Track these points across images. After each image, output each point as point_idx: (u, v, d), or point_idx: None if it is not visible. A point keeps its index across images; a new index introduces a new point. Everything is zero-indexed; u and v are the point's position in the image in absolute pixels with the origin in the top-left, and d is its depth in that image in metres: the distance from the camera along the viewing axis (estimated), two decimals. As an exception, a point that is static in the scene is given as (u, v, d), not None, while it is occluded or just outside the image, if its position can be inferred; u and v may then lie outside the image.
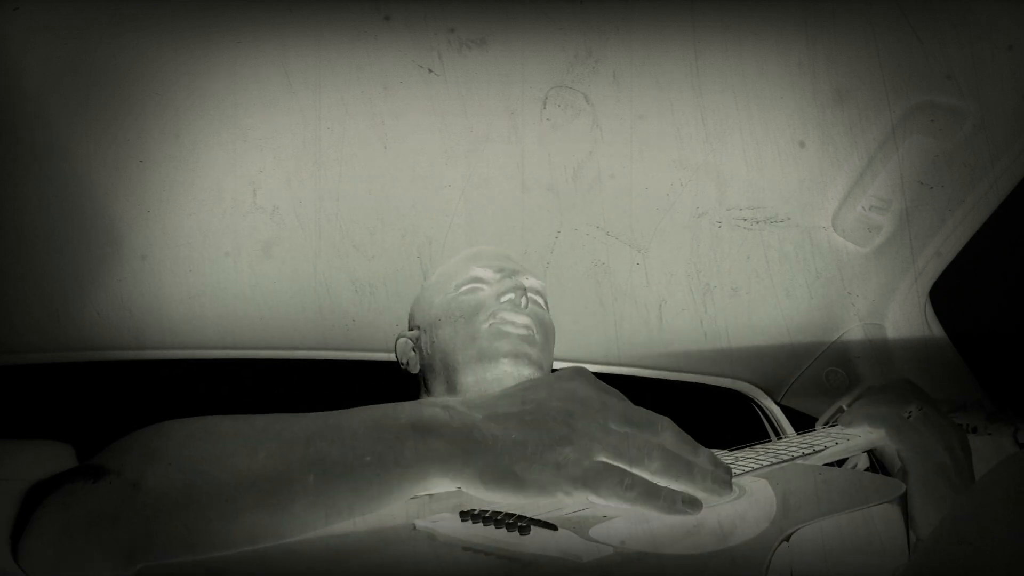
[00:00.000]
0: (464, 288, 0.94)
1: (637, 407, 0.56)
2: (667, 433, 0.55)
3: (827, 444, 0.82)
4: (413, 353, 0.99)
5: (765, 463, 0.72)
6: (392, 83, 0.96)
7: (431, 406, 0.56)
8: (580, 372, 0.59)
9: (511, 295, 0.91)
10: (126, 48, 0.90)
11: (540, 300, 0.96)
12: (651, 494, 0.52)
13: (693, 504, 0.53)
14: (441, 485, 0.54)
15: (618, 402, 0.57)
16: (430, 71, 0.94)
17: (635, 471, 0.53)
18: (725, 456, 0.78)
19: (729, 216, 1.13)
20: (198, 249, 1.11)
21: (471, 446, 0.53)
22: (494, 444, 0.53)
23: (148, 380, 1.33)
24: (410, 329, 1.02)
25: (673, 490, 0.53)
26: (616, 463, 0.53)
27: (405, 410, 0.55)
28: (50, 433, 1.17)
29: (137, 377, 1.32)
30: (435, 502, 0.63)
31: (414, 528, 0.56)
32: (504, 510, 0.57)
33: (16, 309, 1.14)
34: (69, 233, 1.05)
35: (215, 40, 0.91)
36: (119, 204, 1.04)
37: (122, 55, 0.90)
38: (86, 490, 0.49)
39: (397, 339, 1.02)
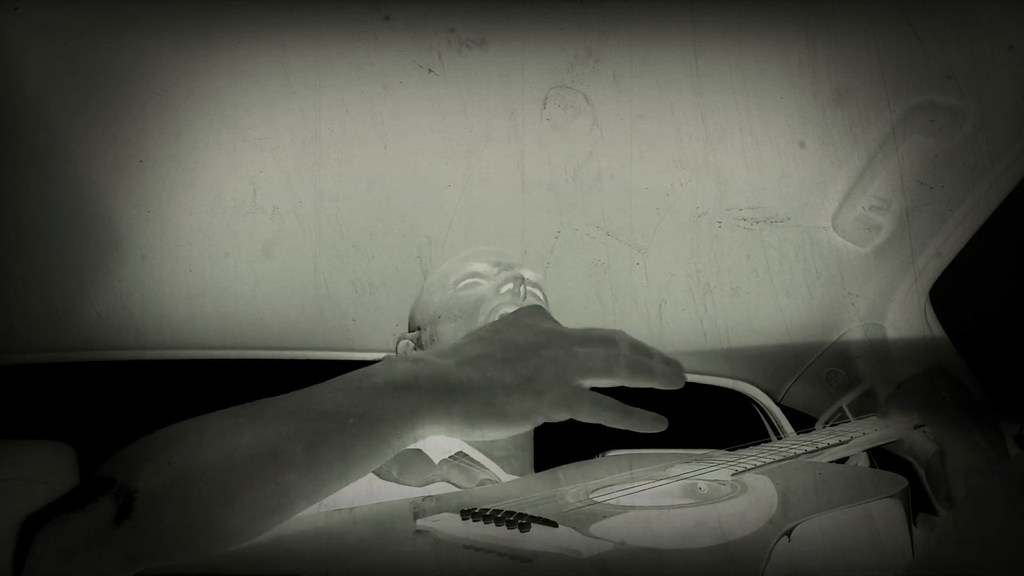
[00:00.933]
0: (463, 284, 0.94)
1: (592, 328, 0.60)
2: (624, 343, 0.59)
3: (854, 434, 0.83)
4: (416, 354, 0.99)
5: (768, 460, 0.73)
6: (392, 83, 0.96)
7: (402, 361, 0.58)
8: (537, 309, 0.63)
9: (510, 285, 0.91)
10: (126, 48, 0.90)
11: (539, 292, 0.96)
12: (625, 412, 0.56)
13: (659, 420, 0.57)
14: (429, 434, 0.55)
15: (575, 329, 0.60)
16: (430, 71, 0.94)
17: (607, 382, 0.57)
18: (726, 456, 0.78)
19: (729, 216, 1.13)
20: (198, 249, 1.10)
21: (450, 392, 0.55)
22: (472, 385, 0.55)
23: (148, 380, 1.33)
24: (410, 331, 1.02)
25: (643, 410, 0.57)
26: (590, 381, 0.56)
27: (378, 371, 0.57)
28: (50, 433, 1.18)
29: (137, 377, 1.32)
30: (437, 502, 0.63)
31: (415, 528, 0.56)
32: (504, 507, 0.57)
33: (16, 309, 1.14)
34: (69, 233, 1.05)
35: (215, 40, 0.91)
36: (119, 204, 1.04)
37: (122, 55, 0.90)
38: (82, 512, 0.49)
39: (398, 342, 1.01)
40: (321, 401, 0.55)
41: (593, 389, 0.57)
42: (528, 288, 0.93)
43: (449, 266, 0.99)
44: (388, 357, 0.59)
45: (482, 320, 0.89)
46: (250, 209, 1.07)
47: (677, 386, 0.60)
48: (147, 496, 0.49)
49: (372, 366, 0.58)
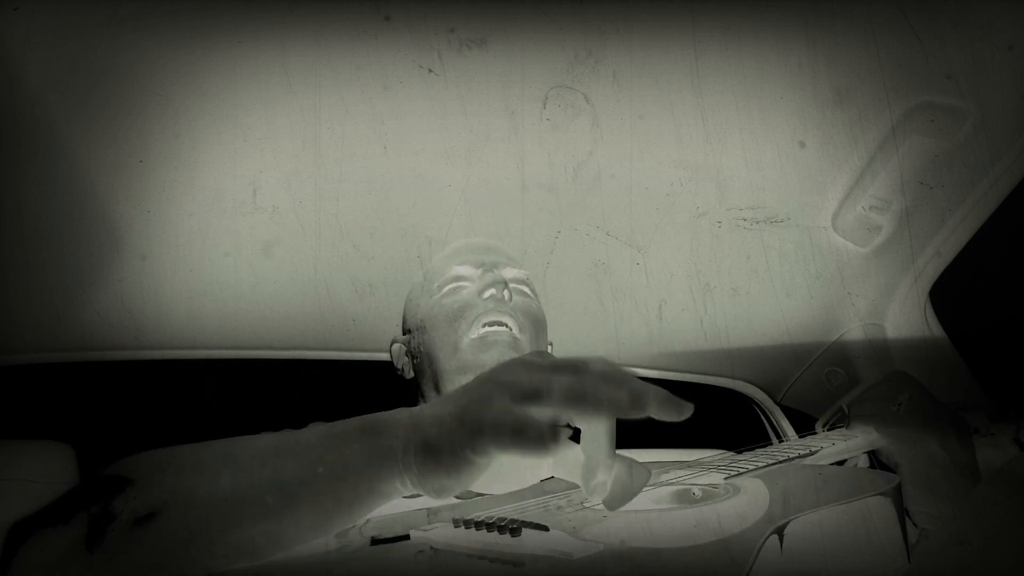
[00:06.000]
0: (446, 289, 0.93)
1: (574, 357, 0.52)
2: (592, 371, 0.50)
3: (823, 445, 0.82)
4: (407, 358, 0.98)
5: (762, 464, 0.73)
6: (392, 83, 0.96)
7: (383, 415, 0.55)
8: (537, 352, 0.55)
9: (492, 291, 0.89)
10: (126, 48, 0.90)
11: (525, 289, 0.95)
12: (516, 432, 0.47)
13: (552, 436, 0.47)
14: (396, 489, 0.52)
15: (548, 358, 0.53)
16: (430, 71, 0.94)
17: (542, 410, 0.49)
18: (719, 461, 0.78)
19: (729, 216, 1.13)
20: (198, 249, 1.11)
21: (414, 435, 0.51)
22: (429, 426, 0.51)
23: (148, 380, 1.33)
24: (403, 333, 1.01)
25: (537, 423, 0.48)
26: (527, 408, 0.49)
27: (361, 417, 0.55)
28: (50, 433, 1.18)
29: (137, 377, 1.32)
30: (432, 515, 0.64)
31: (410, 538, 0.56)
32: (497, 514, 0.57)
33: (16, 309, 1.14)
34: (69, 233, 1.06)
35: (215, 40, 0.91)
36: (119, 204, 1.04)
37: (122, 55, 0.90)
38: (59, 531, 0.50)
39: (391, 344, 1.01)
40: (298, 447, 0.53)
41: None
42: (513, 288, 0.92)
43: (434, 266, 0.98)
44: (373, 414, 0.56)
45: (463, 337, 0.88)
46: (250, 209, 1.07)
47: (639, 415, 0.48)
48: (124, 529, 0.49)
49: (352, 418, 0.55)
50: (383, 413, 0.55)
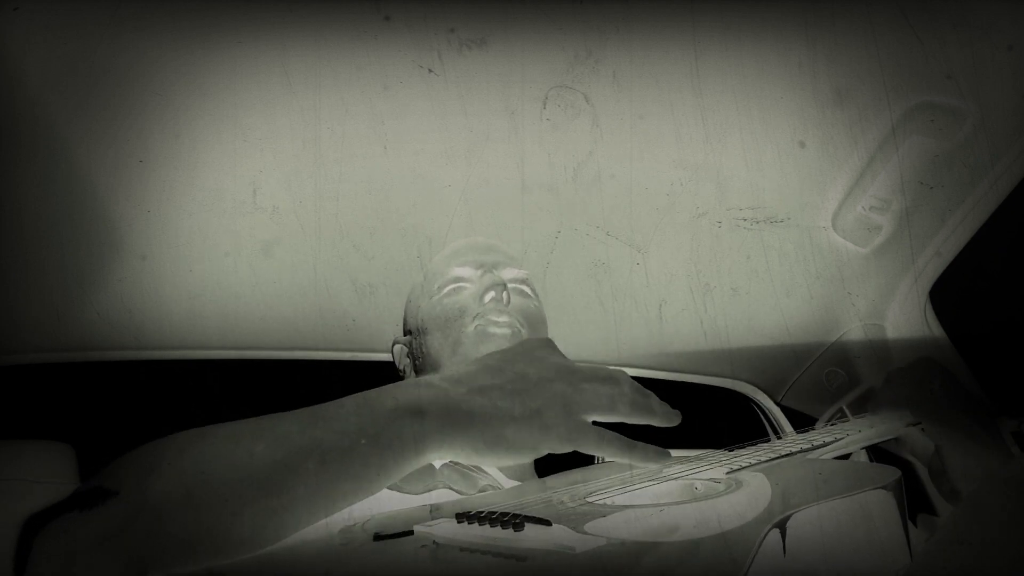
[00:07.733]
0: (446, 290, 0.93)
1: (597, 367, 0.64)
2: (626, 383, 0.63)
3: (825, 440, 0.82)
4: (408, 359, 0.98)
5: (763, 459, 0.73)
6: (392, 83, 0.96)
7: (414, 387, 0.59)
8: (546, 343, 0.66)
9: (492, 293, 0.90)
10: (126, 48, 0.90)
11: (525, 289, 0.95)
12: (628, 446, 0.60)
13: (661, 454, 0.61)
14: (435, 459, 0.57)
15: (582, 366, 0.63)
16: (430, 71, 0.94)
17: (610, 418, 0.61)
18: (722, 456, 0.78)
19: (729, 216, 1.13)
20: (198, 249, 1.11)
21: (461, 419, 0.56)
22: (482, 414, 0.57)
23: (148, 380, 1.33)
24: (404, 334, 1.01)
25: (646, 444, 0.60)
26: (593, 416, 0.60)
27: (390, 393, 0.58)
28: (50, 433, 1.18)
29: (137, 377, 1.32)
30: (435, 510, 0.64)
31: (412, 533, 0.56)
32: (499, 509, 0.57)
33: (16, 309, 1.14)
34: (69, 233, 1.06)
35: (215, 40, 0.91)
36: (119, 204, 1.04)
37: (122, 55, 0.90)
38: (87, 515, 0.49)
39: (393, 345, 1.01)
40: (333, 420, 0.55)
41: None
42: (512, 288, 0.93)
43: (434, 267, 0.98)
44: (401, 383, 0.60)
45: (465, 330, 0.88)
46: (250, 209, 1.07)
47: (673, 423, 0.63)
48: (156, 503, 0.49)
49: (383, 388, 0.59)
50: (412, 388, 0.59)
